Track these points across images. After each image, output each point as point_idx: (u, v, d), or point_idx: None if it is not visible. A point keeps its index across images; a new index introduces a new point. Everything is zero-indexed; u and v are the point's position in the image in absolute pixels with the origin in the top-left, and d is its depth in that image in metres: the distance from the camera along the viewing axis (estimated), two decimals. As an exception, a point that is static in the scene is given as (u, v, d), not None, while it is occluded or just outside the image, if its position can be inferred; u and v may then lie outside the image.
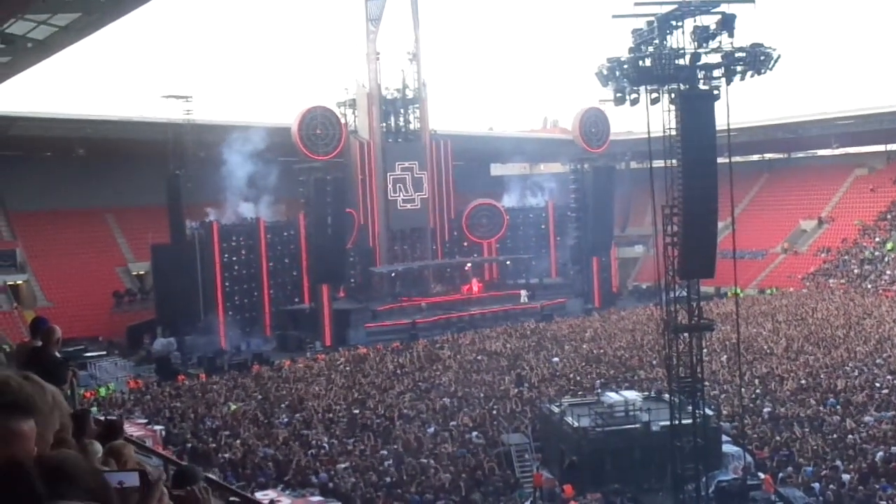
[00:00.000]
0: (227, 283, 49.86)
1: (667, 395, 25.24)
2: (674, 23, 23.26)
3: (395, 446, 26.55)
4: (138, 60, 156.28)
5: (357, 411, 30.44)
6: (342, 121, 54.55)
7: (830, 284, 57.53)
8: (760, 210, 70.58)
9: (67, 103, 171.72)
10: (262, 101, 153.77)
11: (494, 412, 29.72)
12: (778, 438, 25.81)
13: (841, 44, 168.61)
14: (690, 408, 23.56)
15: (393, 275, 57.44)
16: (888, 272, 57.46)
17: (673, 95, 23.83)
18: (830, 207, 67.57)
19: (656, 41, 23.29)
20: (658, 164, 24.98)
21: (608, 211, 59.85)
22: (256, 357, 44.37)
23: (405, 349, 43.57)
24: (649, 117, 23.64)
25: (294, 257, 53.57)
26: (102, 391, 36.23)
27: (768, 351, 37.77)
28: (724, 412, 28.35)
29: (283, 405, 31.99)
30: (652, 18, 23.51)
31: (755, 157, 78.15)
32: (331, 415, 30.18)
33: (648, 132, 23.70)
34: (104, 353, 45.90)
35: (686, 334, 24.07)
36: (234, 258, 50.75)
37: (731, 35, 23.10)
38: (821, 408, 28.06)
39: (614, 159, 63.10)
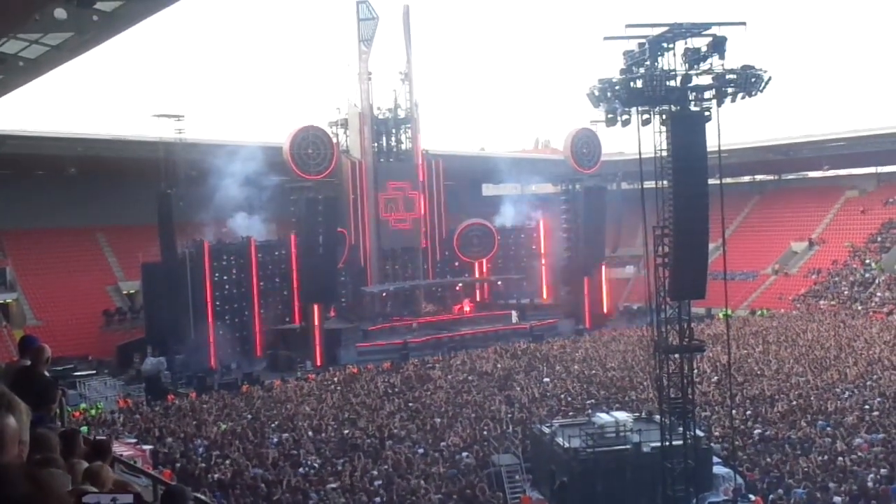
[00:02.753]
0: (217, 303, 49.68)
1: (658, 417, 25.20)
2: (665, 45, 23.40)
3: (386, 467, 26.38)
4: (130, 79, 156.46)
5: (347, 431, 30.34)
6: (334, 140, 55.09)
7: (821, 306, 57.39)
8: (751, 231, 70.66)
9: (59, 122, 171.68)
10: (253, 120, 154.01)
11: (485, 433, 29.61)
12: (769, 460, 25.57)
13: (832, 66, 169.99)
14: (681, 429, 23.52)
15: (384, 294, 57.81)
16: (878, 294, 57.46)
17: (664, 117, 23.93)
18: (821, 229, 67.42)
19: (647, 63, 23.43)
20: (649, 184, 24.93)
21: (599, 231, 60.08)
22: (247, 377, 44.26)
23: (396, 369, 43.53)
24: (640, 138, 23.78)
25: (285, 277, 53.51)
26: (92, 410, 36.01)
27: (759, 372, 37.58)
28: (715, 433, 28.22)
29: (273, 425, 31.74)
30: (643, 40, 23.60)
31: (746, 179, 78.39)
32: (321, 435, 29.99)
33: (640, 153, 23.81)
34: (94, 372, 45.75)
35: (677, 355, 24.03)
36: (225, 277, 50.60)
37: (721, 57, 23.22)
38: (811, 429, 27.85)
39: (605, 180, 63.30)
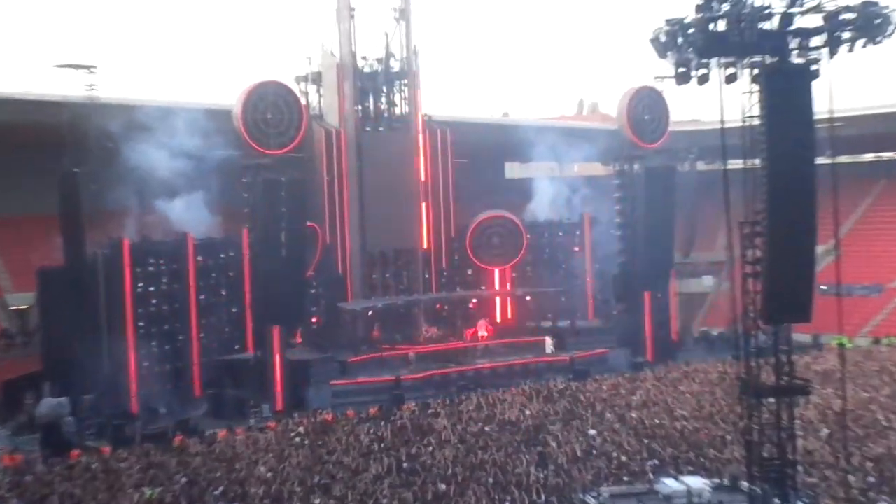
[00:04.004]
0: (141, 323, 49.64)
1: (745, 484, 25.23)
2: (758, -30, 23.29)
3: (371, 551, 26.49)
4: (22, 16, 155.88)
5: (318, 502, 30.23)
6: (303, 101, 55.06)
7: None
8: (875, 229, 70.81)
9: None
10: (194, 74, 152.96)
11: (508, 504, 29.03)
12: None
13: None
14: (778, 501, 23.33)
15: (370, 314, 57.56)
16: None
17: (756, 72, 23.74)
18: (974, 226, 67.07)
19: (734, -4, 23.07)
20: (735, 164, 24.85)
21: (666, 229, 59.83)
22: (180, 425, 44.44)
23: (386, 416, 43.64)
24: (723, 101, 23.54)
25: (234, 288, 54.06)
26: (-35, 471, 35.55)
27: (885, 424, 37.57)
28: (825, 508, 27.75)
29: (216, 492, 31.66)
30: (728, -36, 23.42)
31: (869, 157, 78.29)
32: (282, 506, 29.54)
33: (722, 122, 23.71)
34: (-33, 417, 45.39)
35: (772, 399, 23.84)
36: (152, 288, 50.77)
37: (835, -13, 23.01)
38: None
39: (675, 158, 63.77)
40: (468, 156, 66.12)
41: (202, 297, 52.85)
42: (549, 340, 57.89)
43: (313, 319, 58.12)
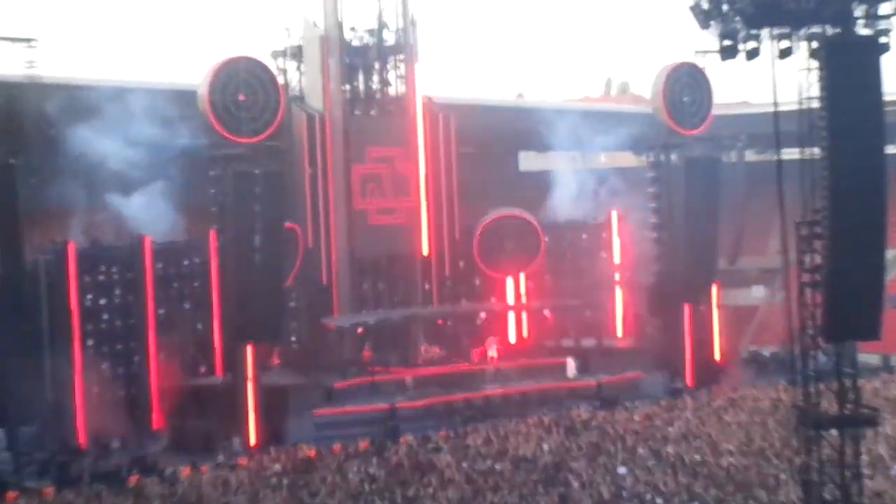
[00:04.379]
0: (90, 342, 49.29)
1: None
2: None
3: None
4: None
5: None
6: (280, 81, 55.03)
7: None
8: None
9: None
10: (154, 50, 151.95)
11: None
12: None
13: None
14: (841, 551, 23.15)
15: (360, 331, 57.77)
16: None
17: (815, 45, 23.73)
18: None
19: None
20: (790, 154, 24.82)
21: (709, 231, 59.02)
22: (136, 462, 44.08)
23: (379, 451, 43.86)
24: (776, 80, 23.53)
25: (199, 301, 54.10)
26: None
27: (972, 462, 37.15)
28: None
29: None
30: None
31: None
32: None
33: (775, 104, 23.68)
34: None
35: (835, 432, 23.81)
36: (103, 301, 50.56)
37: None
38: None
39: (719, 147, 63.30)
40: (476, 145, 66.45)
41: (162, 311, 52.59)
42: (571, 362, 57.62)
43: (293, 337, 58.40)
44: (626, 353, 61.07)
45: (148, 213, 52.52)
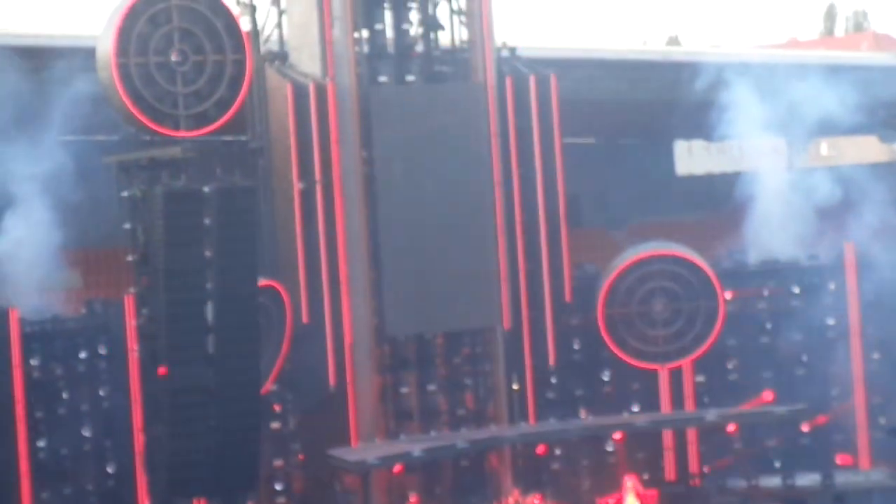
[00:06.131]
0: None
1: None
2: None
3: None
4: None
5: None
6: (244, 26, 44.79)
7: None
8: None
9: None
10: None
11: None
12: None
13: None
14: None
15: (398, 469, 46.33)
16: None
17: None
18: None
19: None
20: None
21: None
22: None
23: None
24: None
25: (109, 424, 44.10)
26: None
27: None
28: None
29: None
30: None
31: None
32: None
33: None
34: None
35: None
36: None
37: None
38: None
39: None
40: (596, 130, 54.04)
41: (41, 443, 42.66)
42: None
43: (278, 486, 45.82)
44: (877, 494, 47.97)
45: (13, 265, 43.70)
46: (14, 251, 43.68)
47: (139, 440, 42.87)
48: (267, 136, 45.87)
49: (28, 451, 42.20)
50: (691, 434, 49.67)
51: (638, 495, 46.79)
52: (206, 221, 40.09)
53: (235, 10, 44.50)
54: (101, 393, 43.46)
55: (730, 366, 49.85)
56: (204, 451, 40.87)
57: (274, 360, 44.40)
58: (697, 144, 63.23)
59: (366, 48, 46.43)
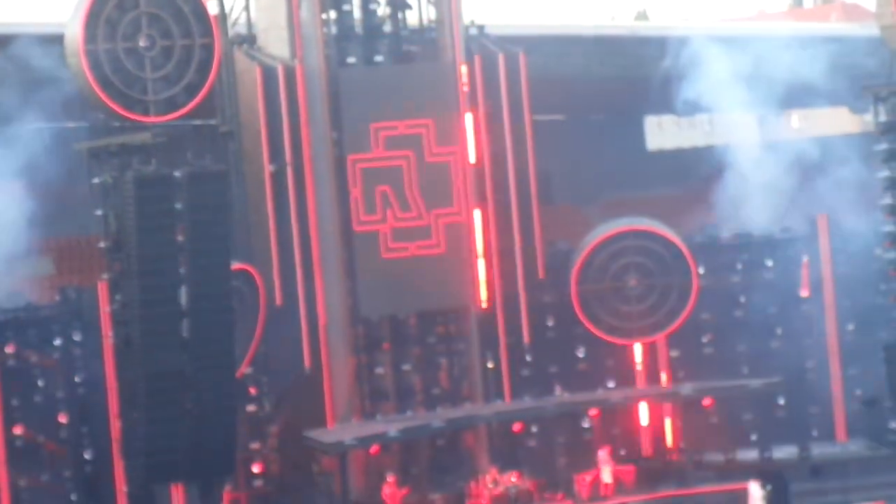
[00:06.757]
0: None
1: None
2: None
3: None
4: None
5: None
6: (211, 10, 44.79)
7: None
8: None
9: None
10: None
11: None
12: None
13: None
14: None
15: (375, 450, 46.56)
16: None
17: None
18: None
19: None
20: None
21: None
22: None
23: None
24: None
25: (83, 411, 44.96)
26: None
27: None
28: None
29: None
30: None
31: None
32: None
33: None
34: None
35: None
36: None
37: None
38: None
39: None
40: (566, 108, 53.39)
41: (17, 437, 43.51)
42: (755, 489, 45.26)
43: (255, 468, 45.80)
44: (853, 469, 47.79)
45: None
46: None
47: (115, 426, 42.92)
48: (237, 120, 46.41)
49: (4, 439, 42.80)
50: (667, 409, 49.94)
51: (612, 466, 46.88)
52: (178, 206, 40.66)
53: (203, -5, 48.02)
54: (77, 380, 44.03)
55: (704, 340, 50.01)
56: (180, 436, 41.30)
57: (248, 343, 44.76)
58: (667, 119, 62.37)
59: (334, 29, 46.99)
